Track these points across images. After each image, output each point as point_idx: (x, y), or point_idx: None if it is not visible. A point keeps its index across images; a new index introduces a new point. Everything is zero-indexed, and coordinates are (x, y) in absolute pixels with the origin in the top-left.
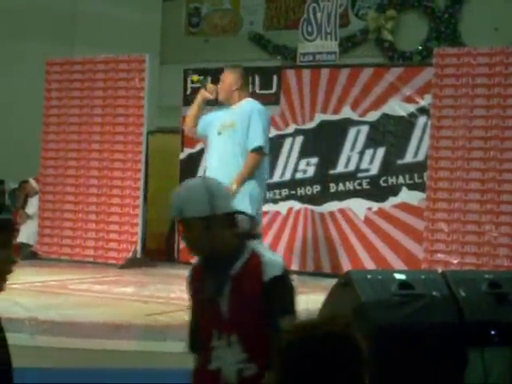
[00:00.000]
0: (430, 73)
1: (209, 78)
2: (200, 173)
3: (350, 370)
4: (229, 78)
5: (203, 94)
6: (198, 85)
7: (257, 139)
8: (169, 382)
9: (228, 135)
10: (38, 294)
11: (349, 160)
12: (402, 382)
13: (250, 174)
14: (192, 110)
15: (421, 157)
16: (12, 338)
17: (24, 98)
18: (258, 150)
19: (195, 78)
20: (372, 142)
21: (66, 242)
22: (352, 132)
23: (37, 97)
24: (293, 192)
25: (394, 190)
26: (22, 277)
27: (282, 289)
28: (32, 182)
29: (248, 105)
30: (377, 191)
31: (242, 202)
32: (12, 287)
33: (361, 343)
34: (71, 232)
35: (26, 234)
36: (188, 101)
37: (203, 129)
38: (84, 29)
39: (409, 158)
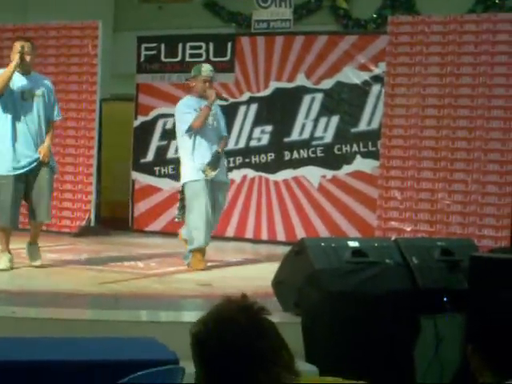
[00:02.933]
0: (384, 41)
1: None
2: (154, 140)
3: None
4: (34, 51)
5: (18, 63)
6: (20, 52)
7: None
8: (121, 349)
9: (39, 104)
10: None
11: (303, 128)
12: (355, 350)
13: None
14: (6, 77)
15: (375, 125)
16: None
17: None
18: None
19: (21, 51)
20: (326, 110)
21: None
22: (306, 100)
23: None
24: (247, 160)
25: (348, 158)
26: None
27: None
28: None
29: (47, 78)
30: (331, 159)
31: None
32: None
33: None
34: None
35: None
36: (142, 68)
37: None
38: None
39: (363, 126)
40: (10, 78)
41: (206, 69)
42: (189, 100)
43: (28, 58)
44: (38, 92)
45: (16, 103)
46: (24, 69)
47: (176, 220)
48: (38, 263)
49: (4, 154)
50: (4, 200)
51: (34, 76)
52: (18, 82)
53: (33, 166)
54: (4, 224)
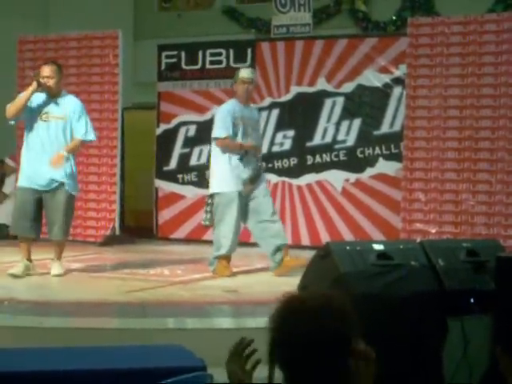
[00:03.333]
0: (404, 43)
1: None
2: (176, 148)
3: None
4: (58, 74)
5: (35, 89)
6: (35, 79)
7: (89, 133)
8: (149, 357)
9: (58, 125)
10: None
11: (325, 132)
12: (382, 353)
13: (74, 152)
14: (22, 102)
15: (397, 127)
16: None
17: None
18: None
19: (37, 77)
20: (348, 113)
21: (44, 221)
22: (328, 104)
23: (10, 75)
24: (270, 165)
25: (371, 161)
26: (1, 257)
27: None
28: (8, 161)
29: (76, 100)
30: (354, 162)
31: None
32: None
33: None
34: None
35: (4, 214)
36: (163, 76)
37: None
38: (57, 5)
39: (385, 128)
40: (25, 102)
41: (245, 71)
42: (230, 105)
43: (51, 82)
44: (59, 114)
45: (37, 124)
46: (50, 91)
47: (203, 224)
48: (53, 272)
49: (23, 169)
50: (16, 210)
51: (61, 98)
52: (41, 104)
53: (48, 184)
54: (15, 233)
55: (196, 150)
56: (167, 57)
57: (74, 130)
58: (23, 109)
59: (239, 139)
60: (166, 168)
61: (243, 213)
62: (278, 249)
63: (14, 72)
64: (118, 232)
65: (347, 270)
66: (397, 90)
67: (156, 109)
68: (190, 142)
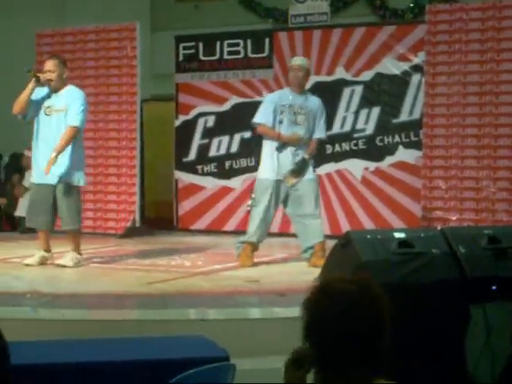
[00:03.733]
0: (422, 30)
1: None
2: (195, 139)
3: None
4: (59, 67)
5: (35, 84)
6: (31, 76)
7: (74, 119)
8: (172, 348)
9: (60, 118)
10: (38, 267)
11: (344, 121)
12: (404, 341)
13: (66, 146)
14: (23, 98)
15: (416, 115)
16: (14, 312)
17: (15, 71)
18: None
19: (31, 73)
20: (367, 101)
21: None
22: (346, 92)
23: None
24: None
25: (391, 149)
26: (22, 250)
27: None
28: (27, 153)
29: (76, 91)
30: (373, 151)
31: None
32: (12, 261)
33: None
34: None
35: (24, 207)
36: (180, 67)
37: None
38: None
39: (404, 116)
40: (26, 97)
41: (294, 59)
42: (278, 93)
43: (52, 76)
44: (61, 107)
45: (41, 120)
46: (51, 85)
47: (247, 209)
48: (58, 261)
49: (34, 165)
50: (29, 205)
51: (63, 91)
52: (45, 98)
53: (53, 179)
54: (29, 226)
55: (215, 141)
56: (185, 48)
57: (67, 117)
58: (26, 104)
59: (283, 128)
60: (185, 159)
61: (283, 200)
62: (312, 247)
63: (33, 66)
64: (138, 224)
65: (368, 258)
66: (415, 78)
67: (174, 100)
68: (208, 133)
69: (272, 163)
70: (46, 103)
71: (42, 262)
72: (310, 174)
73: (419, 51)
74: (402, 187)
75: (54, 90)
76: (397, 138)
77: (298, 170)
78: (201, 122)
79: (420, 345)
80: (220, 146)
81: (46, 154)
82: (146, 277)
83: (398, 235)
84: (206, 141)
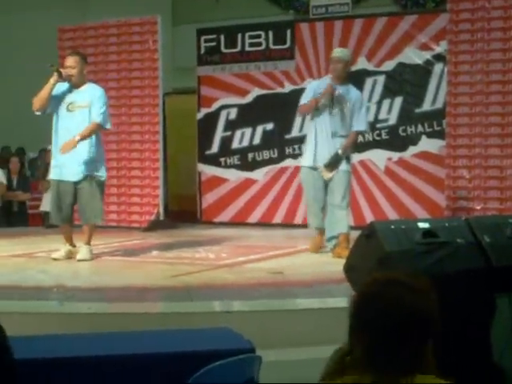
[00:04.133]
0: (444, 19)
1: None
2: (218, 132)
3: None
4: (80, 63)
5: (57, 80)
6: (54, 70)
7: (105, 120)
8: (198, 340)
9: (83, 114)
10: (63, 261)
11: (367, 111)
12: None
13: (89, 136)
14: (45, 94)
15: (439, 104)
16: (40, 306)
17: (38, 67)
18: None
19: (54, 67)
20: (389, 91)
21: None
22: (369, 83)
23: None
24: None
25: (414, 139)
26: (47, 245)
27: None
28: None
29: (97, 88)
30: (396, 141)
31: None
32: (37, 255)
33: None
34: None
35: (49, 202)
36: (202, 60)
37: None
38: None
39: (427, 106)
40: (47, 93)
41: (333, 51)
42: (319, 81)
43: (73, 72)
44: (83, 103)
45: (62, 115)
46: (72, 81)
47: None
48: (78, 257)
49: (53, 161)
50: (51, 202)
51: (84, 87)
52: (66, 94)
53: (75, 175)
54: (54, 222)
55: (238, 133)
56: (206, 41)
57: (91, 114)
58: (47, 100)
59: (321, 115)
60: (208, 152)
61: (325, 190)
62: (335, 237)
63: (55, 61)
64: (162, 217)
65: (393, 249)
66: (438, 67)
67: (196, 93)
68: (231, 126)
69: (310, 153)
70: (68, 99)
71: (69, 256)
72: (343, 165)
73: (441, 40)
74: (425, 177)
75: (75, 86)
76: (420, 128)
77: (332, 164)
78: (223, 114)
79: (445, 335)
80: (243, 138)
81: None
82: (171, 269)
83: (422, 225)
84: (228, 133)
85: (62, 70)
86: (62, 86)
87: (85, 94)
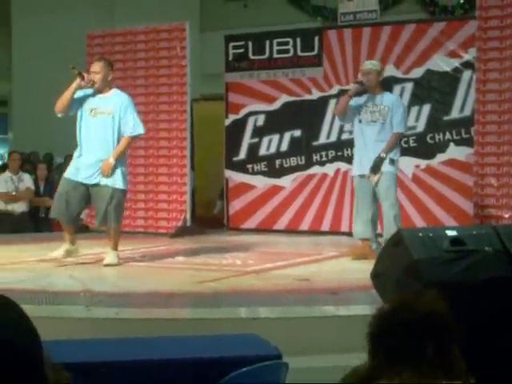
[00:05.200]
0: (473, 26)
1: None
2: (245, 138)
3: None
4: (104, 69)
5: (79, 83)
6: (76, 73)
7: (137, 127)
8: (225, 346)
9: (105, 121)
10: (91, 266)
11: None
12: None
13: (124, 154)
14: (67, 96)
15: (467, 112)
16: (68, 311)
17: (66, 72)
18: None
19: (75, 70)
20: (417, 98)
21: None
22: (397, 90)
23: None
24: (339, 153)
25: (442, 147)
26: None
27: None
28: None
29: (123, 95)
30: (424, 148)
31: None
32: (65, 260)
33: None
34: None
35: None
36: (230, 67)
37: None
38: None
39: (455, 113)
40: (70, 97)
41: (363, 63)
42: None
43: (96, 78)
44: (107, 109)
45: (86, 120)
46: (95, 86)
47: None
48: (104, 262)
49: (72, 162)
50: (56, 197)
51: (109, 93)
52: (90, 100)
53: (92, 179)
54: (53, 215)
55: (265, 140)
56: (234, 47)
57: (122, 125)
58: (69, 104)
59: (362, 126)
60: (235, 158)
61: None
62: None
63: (83, 67)
64: (189, 223)
65: (420, 256)
66: (466, 74)
67: (224, 99)
68: (258, 132)
69: (356, 161)
70: (91, 105)
71: (68, 256)
72: (386, 166)
73: (470, 47)
74: (453, 185)
75: (99, 92)
76: (448, 136)
77: (375, 168)
78: (251, 121)
79: (473, 343)
80: (270, 144)
81: (91, 155)
82: (198, 275)
83: (449, 233)
84: (256, 140)
85: (85, 73)
86: (88, 91)
87: (109, 101)
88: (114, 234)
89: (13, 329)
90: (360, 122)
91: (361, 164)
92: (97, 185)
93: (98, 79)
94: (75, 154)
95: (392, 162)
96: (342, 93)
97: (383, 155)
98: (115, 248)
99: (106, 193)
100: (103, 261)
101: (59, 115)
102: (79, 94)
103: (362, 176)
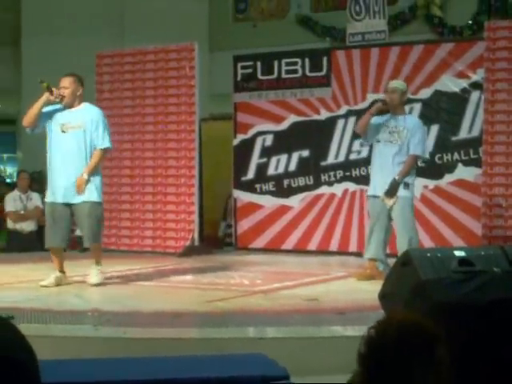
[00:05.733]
0: (481, 47)
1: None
2: (254, 158)
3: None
4: (74, 84)
5: (48, 97)
6: (44, 87)
7: (105, 141)
8: (232, 366)
9: (77, 135)
10: (98, 286)
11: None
12: (464, 360)
13: (96, 168)
14: (34, 110)
15: (475, 132)
16: (75, 330)
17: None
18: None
19: (44, 84)
20: (426, 119)
21: (125, 233)
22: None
23: (89, 90)
24: (347, 173)
25: (450, 167)
26: (82, 269)
27: None
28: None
29: (93, 108)
30: (432, 169)
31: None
32: (73, 279)
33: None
34: (129, 223)
35: None
36: (239, 87)
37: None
38: (133, 20)
39: (463, 133)
40: (36, 111)
41: (390, 82)
42: (383, 115)
43: (66, 92)
44: (77, 123)
45: (56, 136)
46: (64, 102)
47: None
48: (90, 282)
49: (48, 184)
50: (47, 226)
51: (79, 108)
52: (59, 115)
53: (70, 198)
54: (48, 246)
55: (273, 160)
56: (243, 67)
57: (93, 139)
58: (36, 118)
59: (381, 146)
60: (243, 178)
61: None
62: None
63: (92, 87)
64: (196, 242)
65: (428, 277)
66: (475, 95)
67: (233, 119)
68: (267, 152)
69: (372, 182)
70: (61, 120)
71: (58, 283)
72: (401, 191)
73: (478, 68)
74: (461, 205)
75: (70, 107)
76: (456, 156)
77: (391, 191)
78: (259, 140)
79: (481, 364)
80: (278, 164)
81: (64, 173)
82: (205, 295)
83: (458, 253)
84: (264, 160)
85: (54, 88)
86: (55, 108)
87: (78, 115)
88: (95, 249)
89: (12, 346)
90: (378, 141)
91: (375, 185)
92: (75, 203)
93: (67, 94)
94: (49, 175)
95: (407, 186)
96: (350, 113)
97: (398, 178)
98: (98, 263)
99: (84, 208)
100: (89, 280)
101: (27, 130)
102: (48, 108)
103: (375, 197)
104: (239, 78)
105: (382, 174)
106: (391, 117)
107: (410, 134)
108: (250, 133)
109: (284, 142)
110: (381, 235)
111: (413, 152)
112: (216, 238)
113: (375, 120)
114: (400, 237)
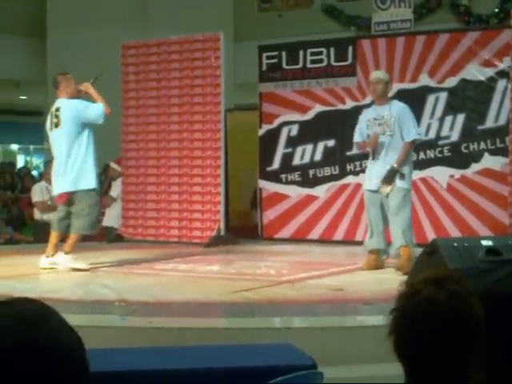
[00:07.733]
0: (508, 35)
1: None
2: (279, 148)
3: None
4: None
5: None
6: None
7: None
8: (259, 356)
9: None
10: (125, 276)
11: (429, 128)
12: (491, 350)
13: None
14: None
15: (502, 121)
16: (102, 320)
17: (102, 83)
18: None
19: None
20: (451, 108)
21: (151, 224)
22: (431, 99)
23: (114, 81)
24: None
25: (476, 156)
26: (109, 259)
27: None
28: (113, 165)
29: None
30: (458, 158)
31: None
32: (100, 270)
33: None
34: (155, 213)
35: (111, 217)
36: (264, 77)
37: None
38: (157, 10)
39: (490, 122)
40: None
41: (372, 73)
42: (366, 110)
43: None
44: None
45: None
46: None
47: None
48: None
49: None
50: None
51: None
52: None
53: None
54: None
55: (299, 150)
56: (268, 57)
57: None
58: None
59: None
60: (269, 168)
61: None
62: (396, 250)
63: (118, 77)
64: (223, 233)
65: (455, 266)
66: (501, 84)
67: (258, 109)
68: (292, 142)
69: (367, 175)
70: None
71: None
72: (398, 182)
73: (505, 56)
74: (488, 194)
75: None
76: (482, 145)
77: (388, 179)
78: (284, 130)
79: (507, 355)
80: (304, 154)
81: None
82: (232, 285)
83: (485, 243)
84: (289, 150)
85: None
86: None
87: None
88: (73, 237)
89: (60, 335)
90: (369, 136)
91: (370, 179)
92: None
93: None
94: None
95: (402, 176)
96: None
97: (396, 166)
98: (68, 251)
99: (77, 197)
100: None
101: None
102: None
103: (371, 191)
104: (264, 67)
105: (376, 167)
106: (376, 109)
107: (399, 122)
108: (276, 123)
109: (309, 132)
110: (381, 225)
111: (407, 139)
112: (242, 227)
113: (363, 118)
114: (393, 228)
